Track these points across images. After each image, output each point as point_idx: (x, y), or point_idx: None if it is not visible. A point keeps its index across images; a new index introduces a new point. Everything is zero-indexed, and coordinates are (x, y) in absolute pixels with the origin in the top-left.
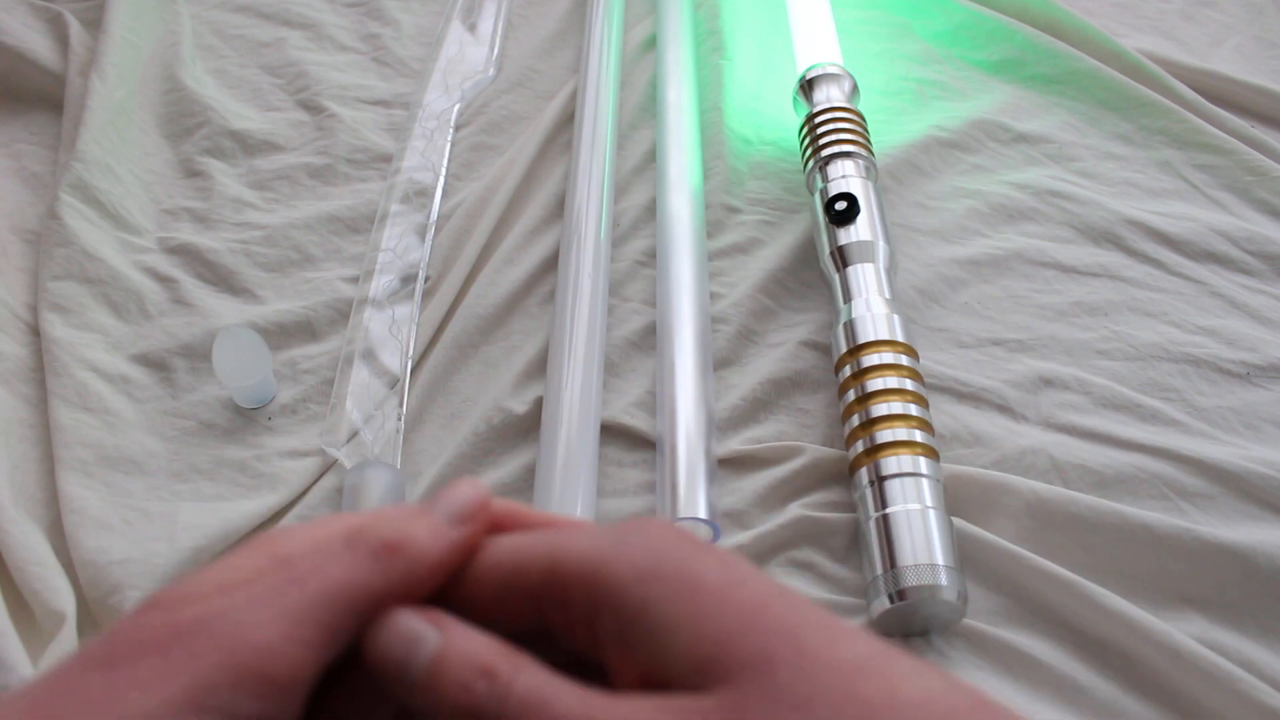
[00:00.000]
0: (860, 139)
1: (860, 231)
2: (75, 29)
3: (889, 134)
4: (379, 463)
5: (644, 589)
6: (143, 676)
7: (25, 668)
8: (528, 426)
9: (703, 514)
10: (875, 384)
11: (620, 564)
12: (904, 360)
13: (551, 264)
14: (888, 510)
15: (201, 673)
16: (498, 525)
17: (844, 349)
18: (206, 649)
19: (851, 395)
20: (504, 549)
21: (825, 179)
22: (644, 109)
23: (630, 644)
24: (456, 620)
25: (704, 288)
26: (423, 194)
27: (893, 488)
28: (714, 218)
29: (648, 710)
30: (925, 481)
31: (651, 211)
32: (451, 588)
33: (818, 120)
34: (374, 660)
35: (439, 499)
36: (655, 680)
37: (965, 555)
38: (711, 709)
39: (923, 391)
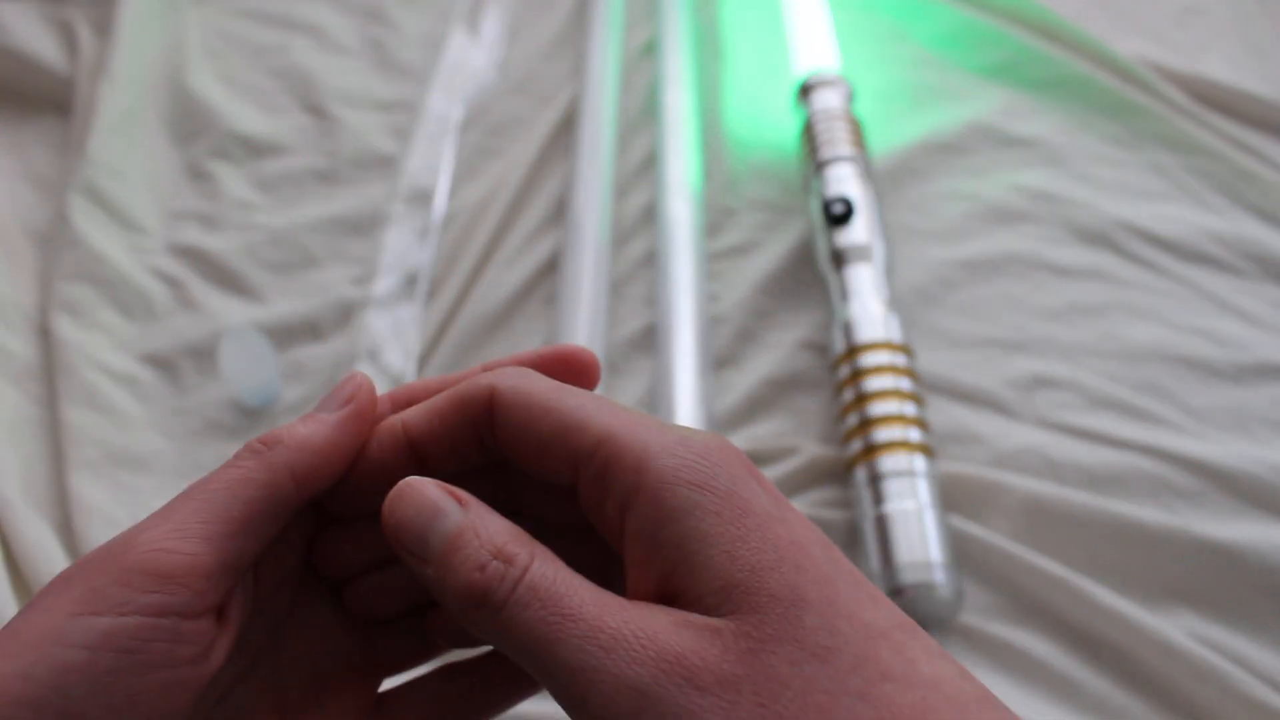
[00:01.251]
0: (857, 142)
1: (857, 233)
2: (84, 34)
3: (885, 137)
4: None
5: (691, 493)
6: (45, 603)
7: None
8: None
9: None
10: (872, 384)
11: (674, 461)
12: (900, 360)
13: (552, 265)
14: (884, 508)
15: (91, 582)
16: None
17: (841, 349)
18: (99, 560)
19: (849, 395)
20: (565, 408)
21: (823, 182)
22: (644, 112)
23: (659, 544)
24: (481, 502)
25: (703, 288)
26: (425, 196)
27: (889, 486)
28: (713, 219)
29: (663, 624)
30: (921, 480)
31: (651, 213)
32: (502, 445)
33: (815, 124)
34: (390, 526)
35: (324, 398)
36: (671, 591)
37: (961, 553)
38: (732, 634)
39: (919, 391)
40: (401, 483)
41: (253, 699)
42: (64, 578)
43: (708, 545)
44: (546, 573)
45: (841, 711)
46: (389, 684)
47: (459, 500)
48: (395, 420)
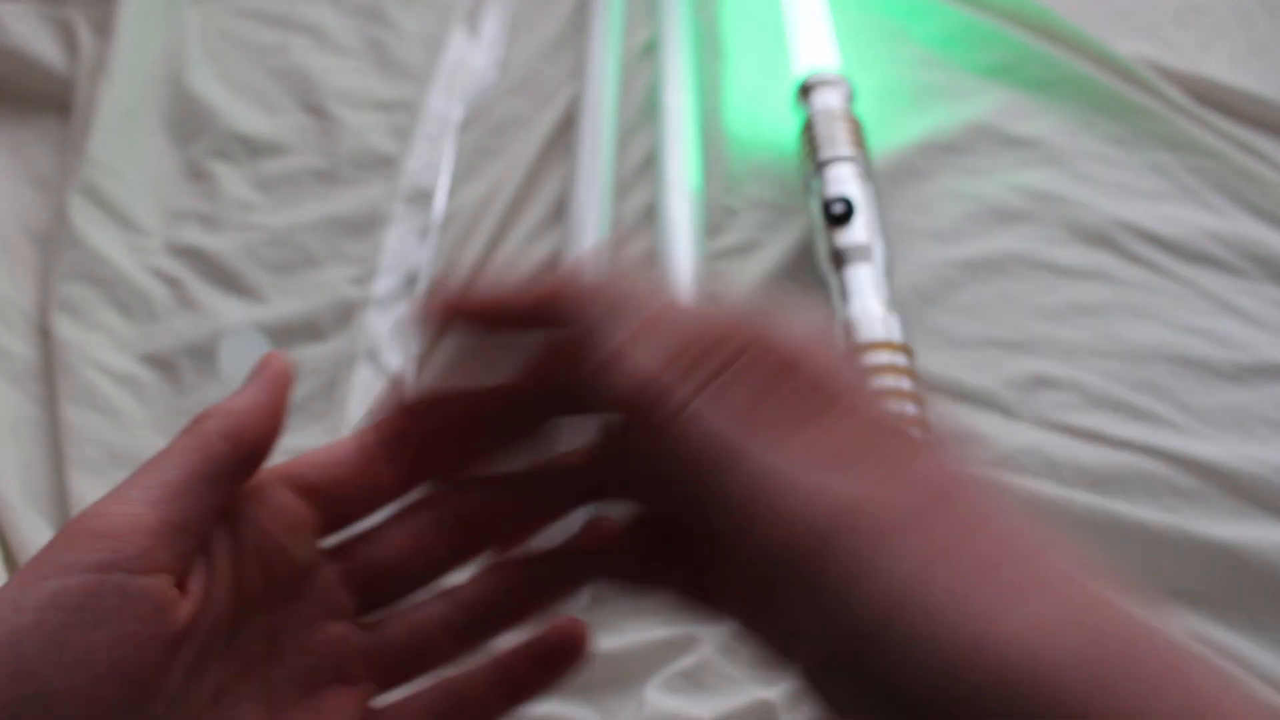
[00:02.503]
0: (857, 142)
1: (857, 233)
2: (83, 34)
3: (885, 137)
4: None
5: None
6: (17, 578)
7: None
8: None
9: None
10: (872, 384)
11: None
12: (901, 360)
13: (553, 266)
14: None
15: (43, 552)
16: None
17: (841, 349)
18: (54, 537)
19: None
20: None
21: (823, 182)
22: (644, 112)
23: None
24: None
25: (703, 289)
26: (425, 196)
27: None
28: (713, 220)
29: (840, 473)
30: None
31: (651, 213)
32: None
33: (815, 124)
34: (572, 297)
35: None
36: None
37: None
38: (901, 488)
39: (919, 391)
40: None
41: (246, 701)
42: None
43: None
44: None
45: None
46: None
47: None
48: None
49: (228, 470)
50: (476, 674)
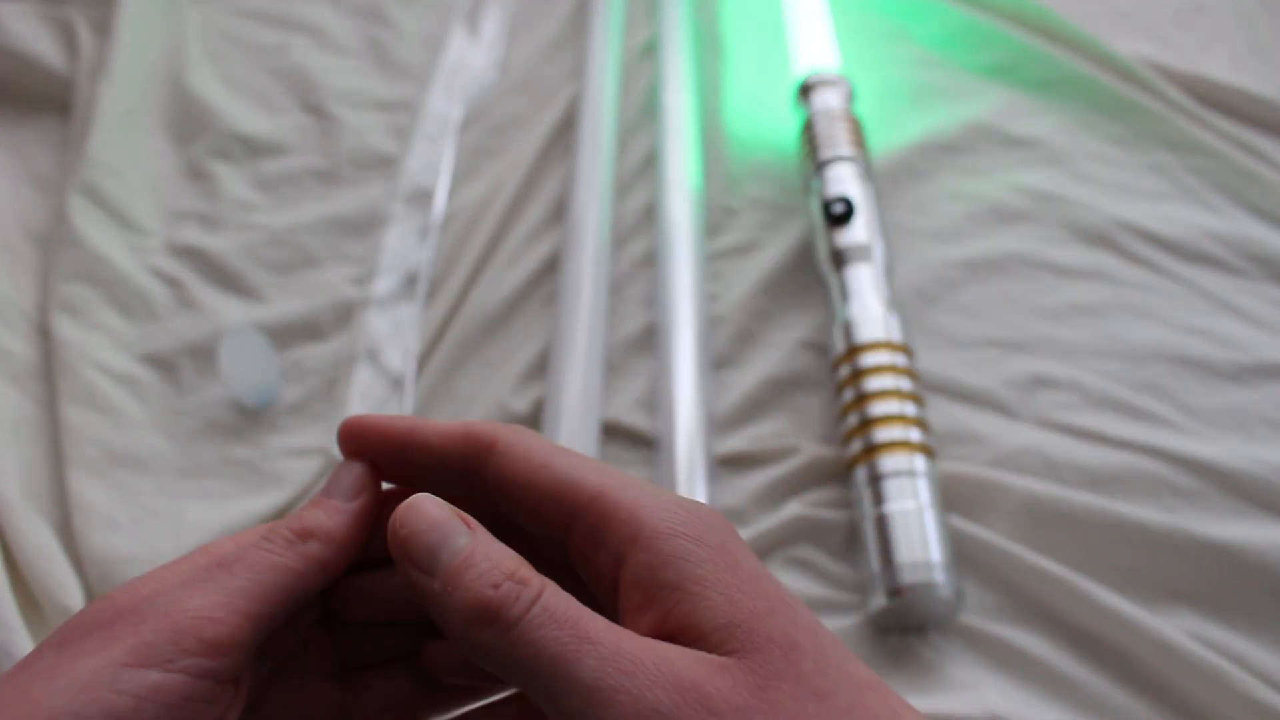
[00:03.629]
0: (857, 142)
1: (857, 233)
2: (83, 34)
3: (885, 137)
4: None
5: (686, 543)
6: (90, 646)
7: None
8: (529, 426)
9: None
10: (872, 384)
11: (669, 514)
12: (901, 360)
13: (552, 265)
14: (885, 508)
15: (143, 636)
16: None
17: (841, 349)
18: (147, 618)
19: (849, 395)
20: (561, 466)
21: (823, 182)
22: (644, 112)
23: (658, 587)
24: (485, 529)
25: (703, 288)
26: (425, 196)
27: (889, 486)
28: (713, 219)
29: (677, 655)
30: (922, 480)
31: (651, 213)
32: (494, 491)
33: (815, 124)
34: (399, 539)
35: (331, 483)
36: (670, 631)
37: (961, 553)
38: (739, 669)
39: (919, 391)
40: (412, 496)
41: None
42: (106, 622)
43: (706, 588)
44: (560, 598)
45: None
46: None
47: (466, 523)
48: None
49: (313, 597)
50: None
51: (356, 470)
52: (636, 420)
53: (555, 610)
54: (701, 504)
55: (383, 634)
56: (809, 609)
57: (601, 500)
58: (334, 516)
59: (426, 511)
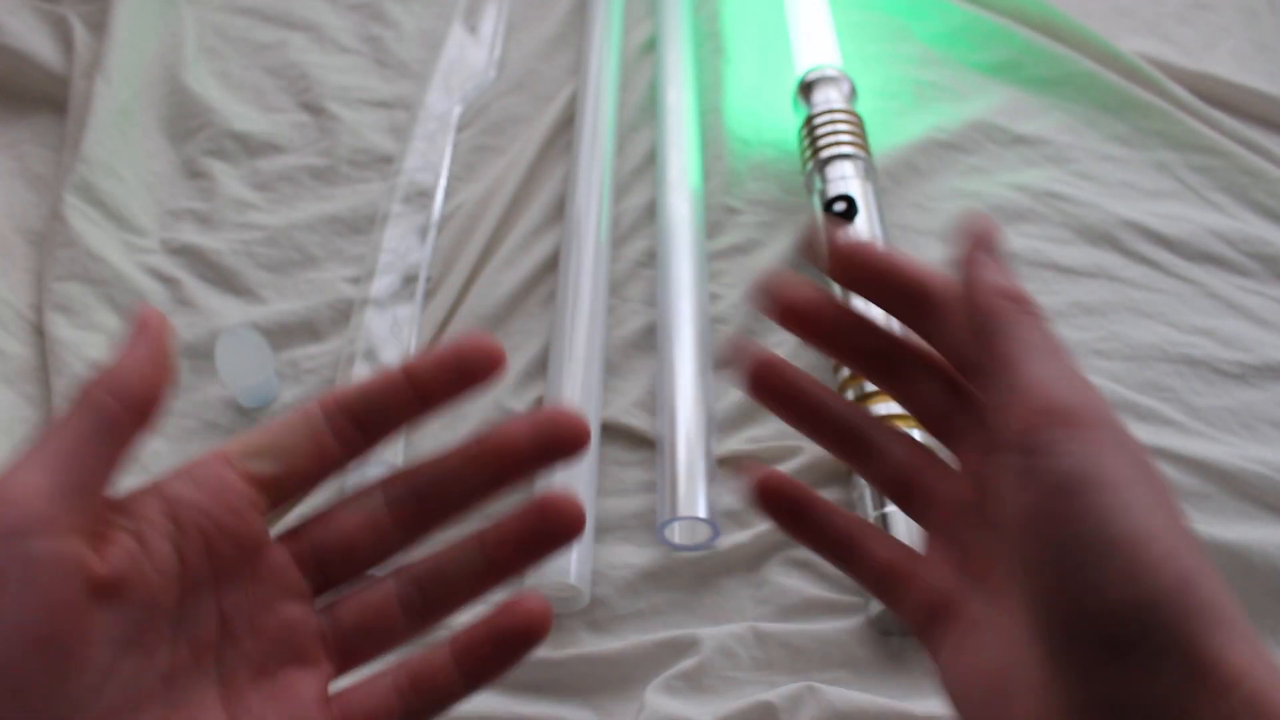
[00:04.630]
0: (859, 140)
1: (859, 232)
2: (79, 31)
3: (887, 135)
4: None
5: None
6: None
7: None
8: None
9: (702, 513)
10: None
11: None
12: None
13: (552, 265)
14: (886, 509)
15: None
16: None
17: None
18: None
19: (850, 395)
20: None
21: (824, 180)
22: (644, 110)
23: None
24: None
25: (703, 288)
26: (424, 195)
27: None
28: (713, 219)
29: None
30: None
31: (651, 212)
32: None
33: (816, 122)
34: (973, 235)
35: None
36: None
37: None
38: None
39: None
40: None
41: (199, 684)
42: None
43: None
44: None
45: (1182, 525)
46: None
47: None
48: None
49: (121, 426)
50: (437, 654)
51: (139, 310)
52: (636, 420)
53: (1048, 329)
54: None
55: (350, 556)
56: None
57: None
58: (113, 356)
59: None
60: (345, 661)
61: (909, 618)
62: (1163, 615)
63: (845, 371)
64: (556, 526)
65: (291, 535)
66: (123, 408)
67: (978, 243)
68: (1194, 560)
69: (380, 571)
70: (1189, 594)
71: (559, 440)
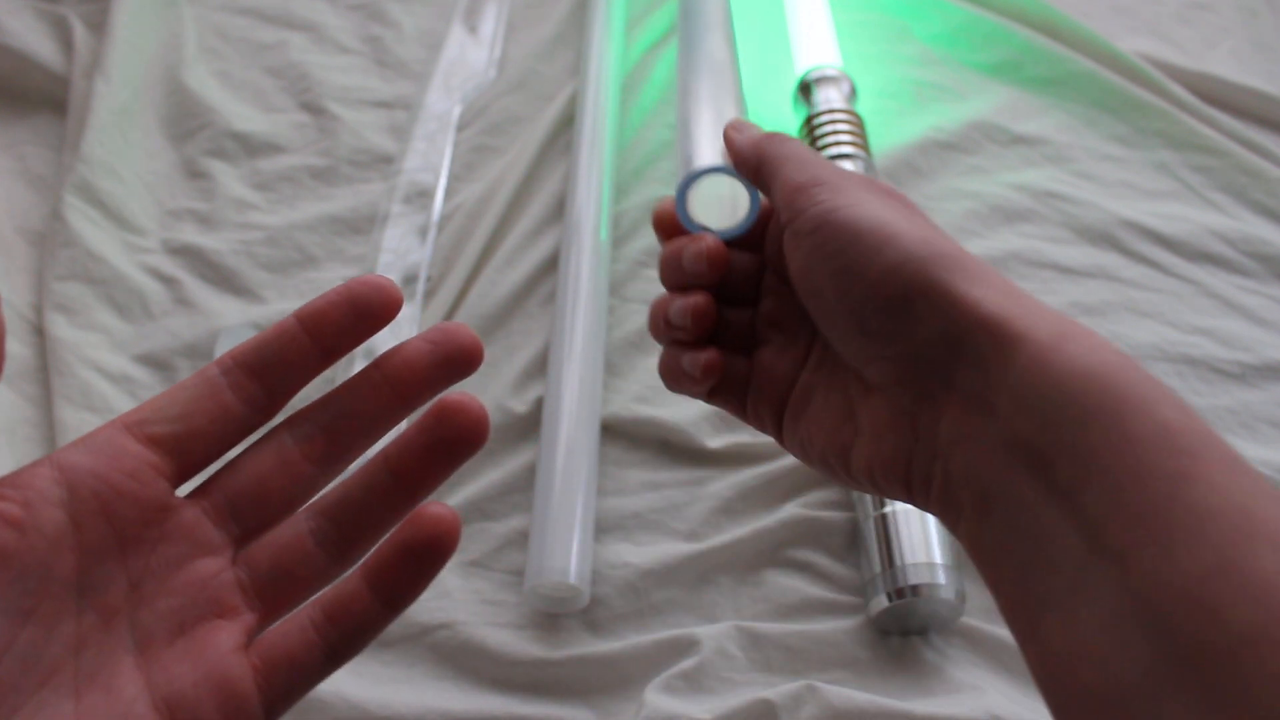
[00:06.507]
0: (858, 140)
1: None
2: (79, 31)
3: (887, 135)
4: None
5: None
6: None
7: None
8: (528, 426)
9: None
10: None
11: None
12: None
13: (552, 265)
14: (886, 509)
15: None
16: None
17: None
18: None
19: None
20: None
21: None
22: (644, 110)
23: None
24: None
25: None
26: (424, 195)
27: None
28: None
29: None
30: None
31: (652, 212)
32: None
33: (816, 122)
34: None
35: None
36: None
37: (962, 554)
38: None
39: None
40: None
41: (112, 650)
42: None
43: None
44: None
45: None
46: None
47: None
48: None
49: None
50: (350, 583)
51: None
52: (636, 419)
53: (794, 139)
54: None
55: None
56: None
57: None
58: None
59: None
60: (270, 608)
61: (767, 419)
62: (913, 268)
63: None
64: (460, 431)
65: (202, 490)
66: None
67: (728, 131)
68: (938, 236)
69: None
70: (933, 249)
71: (455, 355)
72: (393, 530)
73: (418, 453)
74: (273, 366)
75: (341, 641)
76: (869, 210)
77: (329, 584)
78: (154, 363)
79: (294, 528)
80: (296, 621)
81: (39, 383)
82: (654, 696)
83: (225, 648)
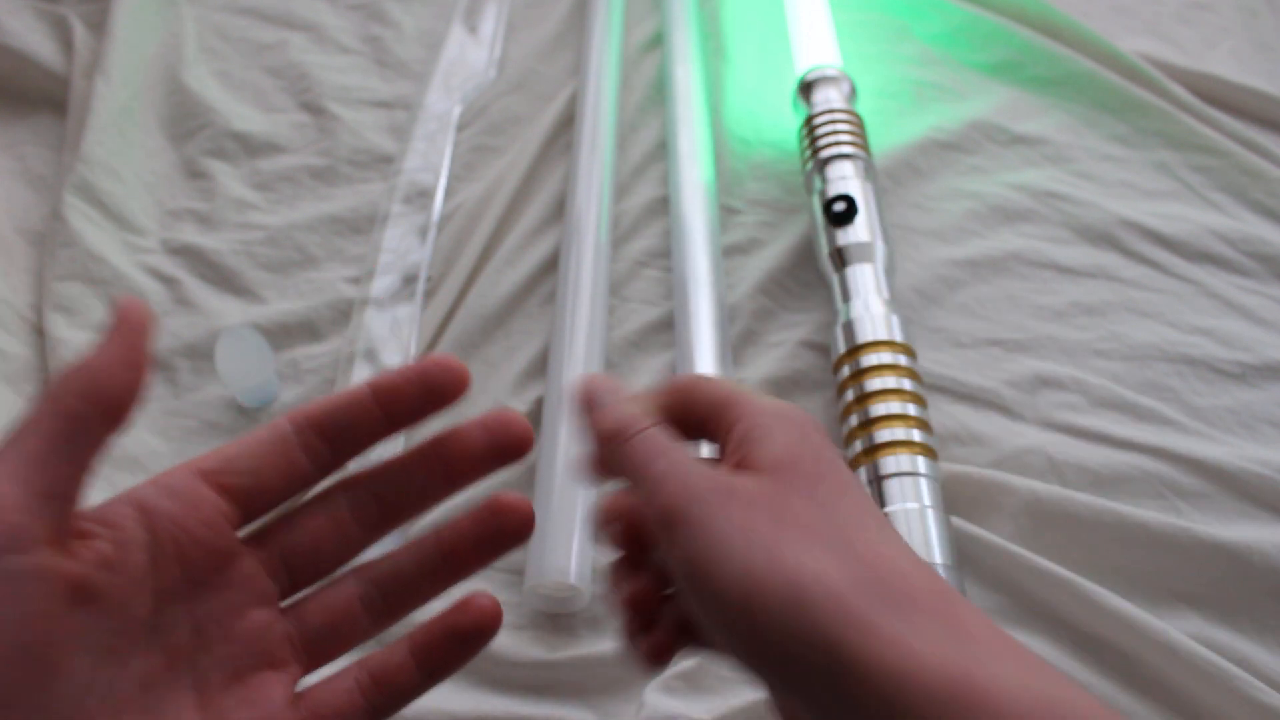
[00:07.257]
0: (858, 140)
1: (858, 232)
2: (79, 31)
3: (887, 135)
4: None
5: (770, 419)
6: None
7: None
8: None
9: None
10: (874, 384)
11: (769, 406)
12: (902, 360)
13: (552, 265)
14: (886, 509)
15: None
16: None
17: (843, 349)
18: None
19: (850, 395)
20: (703, 388)
21: (824, 180)
22: (644, 110)
23: (745, 441)
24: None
25: (720, 278)
26: (424, 195)
27: (891, 487)
28: None
29: (728, 472)
30: (923, 481)
31: (652, 212)
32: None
33: (816, 122)
34: (583, 390)
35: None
36: (741, 467)
37: (963, 554)
38: (767, 479)
39: (921, 391)
40: (593, 375)
41: (175, 691)
42: None
43: (774, 441)
44: (663, 435)
45: (822, 528)
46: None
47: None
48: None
49: (91, 429)
50: (396, 651)
51: (117, 304)
52: None
53: (655, 438)
54: (793, 406)
55: (318, 554)
56: (861, 483)
57: (734, 400)
58: (88, 352)
59: (604, 383)
60: (311, 661)
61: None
62: (792, 629)
63: (845, 371)
64: (508, 527)
65: (258, 539)
66: (93, 409)
67: (582, 402)
68: (810, 561)
69: (343, 572)
70: (803, 597)
71: (508, 442)
72: (442, 613)
73: (469, 539)
74: (343, 430)
75: (383, 705)
76: (729, 548)
77: (364, 643)
78: (154, 363)
79: (345, 590)
80: (343, 682)
81: (39, 383)
82: (654, 696)
83: (279, 700)
